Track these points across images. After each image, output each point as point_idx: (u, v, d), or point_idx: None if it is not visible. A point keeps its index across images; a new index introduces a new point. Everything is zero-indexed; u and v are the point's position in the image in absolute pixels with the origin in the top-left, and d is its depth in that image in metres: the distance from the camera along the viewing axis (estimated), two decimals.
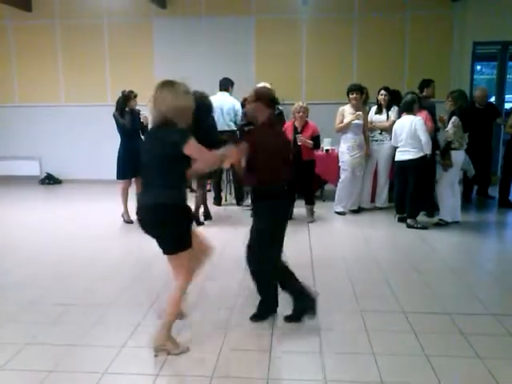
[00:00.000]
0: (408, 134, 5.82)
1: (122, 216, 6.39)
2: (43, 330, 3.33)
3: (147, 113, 6.31)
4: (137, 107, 6.37)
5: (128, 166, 6.20)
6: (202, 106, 5.67)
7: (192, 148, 2.86)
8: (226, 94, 7.11)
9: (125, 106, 6.18)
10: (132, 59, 9.21)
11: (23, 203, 7.83)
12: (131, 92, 6.22)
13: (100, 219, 6.63)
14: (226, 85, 7.17)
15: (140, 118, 6.31)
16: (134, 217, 6.27)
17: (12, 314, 3.58)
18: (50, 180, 9.50)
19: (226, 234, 5.60)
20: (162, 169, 2.93)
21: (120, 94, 6.25)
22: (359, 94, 6.44)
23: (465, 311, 3.60)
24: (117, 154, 6.37)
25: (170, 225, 2.95)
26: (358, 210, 6.80)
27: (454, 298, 3.88)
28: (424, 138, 5.72)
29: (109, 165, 9.15)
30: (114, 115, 6.22)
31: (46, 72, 9.43)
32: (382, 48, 8.74)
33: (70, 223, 6.43)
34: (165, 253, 3.03)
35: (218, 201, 7.24)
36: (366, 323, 3.39)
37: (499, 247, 5.58)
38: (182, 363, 2.95)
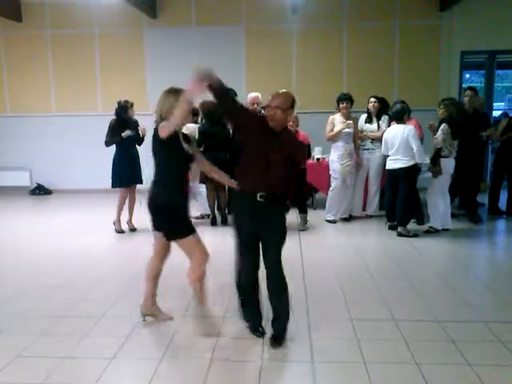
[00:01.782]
0: (401, 143, 5.86)
1: (114, 224, 6.35)
2: (33, 342, 3.30)
3: (146, 124, 6.35)
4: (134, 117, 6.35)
5: (124, 175, 6.16)
6: (215, 115, 6.08)
7: (162, 128, 3.11)
8: None
9: (125, 117, 6.13)
10: (123, 69, 9.24)
11: (13, 214, 7.78)
12: (127, 102, 6.18)
13: (91, 230, 6.60)
14: None
15: (138, 129, 6.26)
16: (124, 226, 6.32)
17: (1, 327, 3.55)
18: (41, 190, 9.46)
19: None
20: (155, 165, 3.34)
21: (116, 105, 6.19)
22: (349, 104, 6.49)
23: (455, 318, 3.62)
24: (112, 163, 6.30)
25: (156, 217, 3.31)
26: (348, 218, 6.83)
27: (444, 305, 3.89)
28: (415, 146, 5.77)
29: (99, 174, 9.17)
30: (113, 125, 6.14)
31: (37, 82, 9.43)
32: (371, 57, 8.83)
33: (61, 234, 6.38)
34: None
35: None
36: (356, 331, 3.40)
37: (489, 254, 5.61)
38: (172, 374, 2.93)
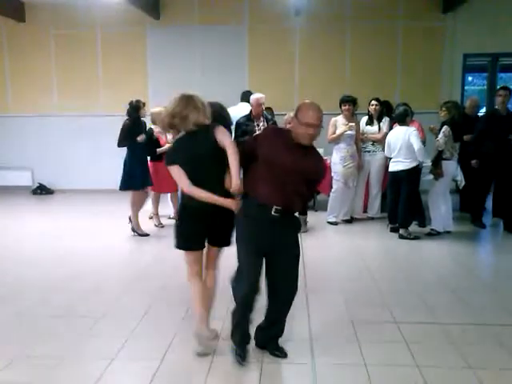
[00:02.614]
0: (403, 145, 5.87)
1: (134, 231, 6.13)
2: (33, 342, 3.30)
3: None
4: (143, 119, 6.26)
5: (139, 177, 6.06)
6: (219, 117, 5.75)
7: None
8: (247, 104, 7.25)
9: (138, 116, 6.04)
10: (125, 69, 9.24)
11: (15, 214, 7.79)
12: (139, 101, 6.06)
13: (92, 230, 6.58)
14: (247, 96, 7.37)
15: (146, 129, 6.17)
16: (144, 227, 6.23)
17: (0, 327, 3.55)
18: (43, 190, 9.47)
19: None
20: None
21: (127, 106, 6.07)
22: (352, 106, 6.49)
23: (456, 321, 3.61)
24: (123, 165, 6.03)
25: None
26: (350, 220, 6.82)
27: (445, 307, 3.89)
28: (417, 145, 5.76)
29: (101, 175, 9.20)
30: (127, 125, 5.99)
31: (40, 82, 9.44)
32: (374, 59, 8.83)
33: (62, 234, 6.38)
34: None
35: None
36: (357, 333, 3.39)
37: (491, 257, 5.60)
38: (172, 375, 2.93)
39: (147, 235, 6.11)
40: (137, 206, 6.11)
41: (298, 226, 3.09)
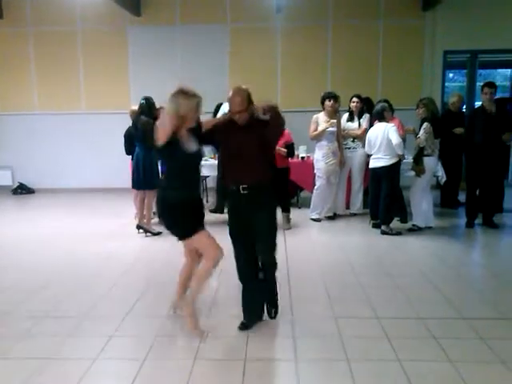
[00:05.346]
0: (382, 142, 5.91)
1: (147, 230, 6.05)
2: (14, 343, 3.26)
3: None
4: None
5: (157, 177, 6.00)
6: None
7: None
8: None
9: (155, 115, 5.78)
10: (106, 66, 9.16)
11: None
12: (152, 98, 5.86)
13: (72, 228, 6.52)
14: None
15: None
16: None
17: None
18: (23, 190, 9.34)
19: None
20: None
21: (143, 101, 5.87)
22: (334, 102, 6.50)
23: (437, 316, 3.65)
24: (151, 165, 5.99)
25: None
26: (333, 217, 6.86)
27: (427, 303, 3.93)
28: (395, 140, 5.80)
29: (82, 174, 9.11)
30: (151, 126, 5.85)
31: (19, 80, 9.31)
32: (355, 56, 8.89)
33: (44, 234, 6.31)
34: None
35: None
36: (340, 329, 3.41)
37: (471, 252, 5.67)
38: (155, 375, 2.91)
39: (160, 233, 5.97)
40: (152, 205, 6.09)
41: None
